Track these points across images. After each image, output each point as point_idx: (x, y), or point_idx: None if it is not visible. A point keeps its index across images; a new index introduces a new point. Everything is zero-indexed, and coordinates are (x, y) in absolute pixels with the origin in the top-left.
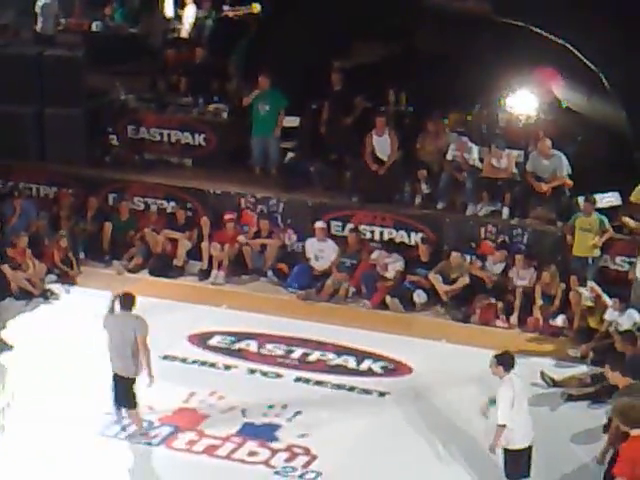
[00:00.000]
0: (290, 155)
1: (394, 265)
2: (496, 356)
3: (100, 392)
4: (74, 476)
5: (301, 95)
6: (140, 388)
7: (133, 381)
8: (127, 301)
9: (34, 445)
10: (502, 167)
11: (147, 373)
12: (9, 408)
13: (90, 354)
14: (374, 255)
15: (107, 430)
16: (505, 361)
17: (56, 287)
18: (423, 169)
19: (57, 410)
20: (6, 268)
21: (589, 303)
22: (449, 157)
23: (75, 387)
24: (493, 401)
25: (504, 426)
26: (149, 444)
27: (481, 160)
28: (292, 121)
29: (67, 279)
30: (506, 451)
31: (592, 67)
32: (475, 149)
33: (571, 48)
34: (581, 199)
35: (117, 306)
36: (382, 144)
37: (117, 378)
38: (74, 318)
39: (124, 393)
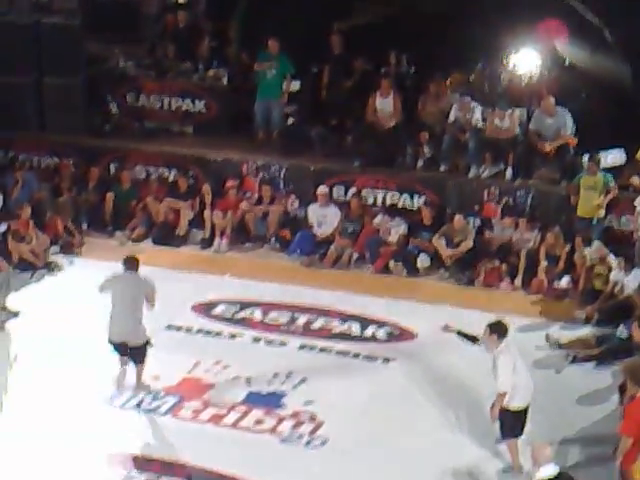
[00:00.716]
0: (291, 120)
1: (397, 229)
2: (490, 325)
3: (105, 362)
4: (78, 445)
5: (301, 58)
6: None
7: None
8: (132, 263)
9: (39, 415)
10: (505, 127)
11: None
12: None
13: (94, 324)
14: (377, 220)
15: (113, 400)
16: (499, 330)
17: (60, 259)
18: (425, 131)
19: (61, 381)
20: (9, 240)
21: (594, 264)
22: (451, 118)
23: (79, 357)
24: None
25: (505, 394)
26: (155, 413)
27: (484, 120)
28: (293, 85)
29: (70, 250)
30: (505, 412)
31: (595, 23)
32: (478, 109)
33: (574, 4)
34: (585, 158)
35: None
36: (385, 106)
37: (123, 347)
38: (78, 289)
39: (141, 353)
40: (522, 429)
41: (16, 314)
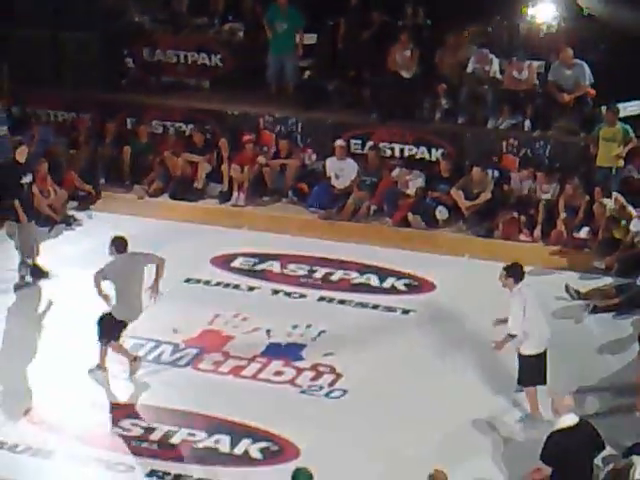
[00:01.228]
0: (308, 73)
1: (415, 182)
2: (506, 268)
3: None
4: (99, 397)
5: (317, 11)
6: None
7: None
8: (123, 243)
9: (61, 370)
10: (523, 79)
11: (154, 291)
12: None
13: None
14: (395, 172)
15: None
16: (515, 272)
17: (78, 213)
18: (443, 84)
19: (83, 334)
20: (35, 192)
21: (614, 214)
22: (469, 70)
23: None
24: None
25: (514, 336)
26: (175, 365)
27: (502, 72)
28: (309, 38)
29: (88, 205)
30: (520, 356)
31: None
32: (496, 61)
33: None
34: (604, 109)
35: (114, 252)
36: (404, 59)
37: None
38: (96, 243)
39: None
40: (541, 378)
41: (46, 274)
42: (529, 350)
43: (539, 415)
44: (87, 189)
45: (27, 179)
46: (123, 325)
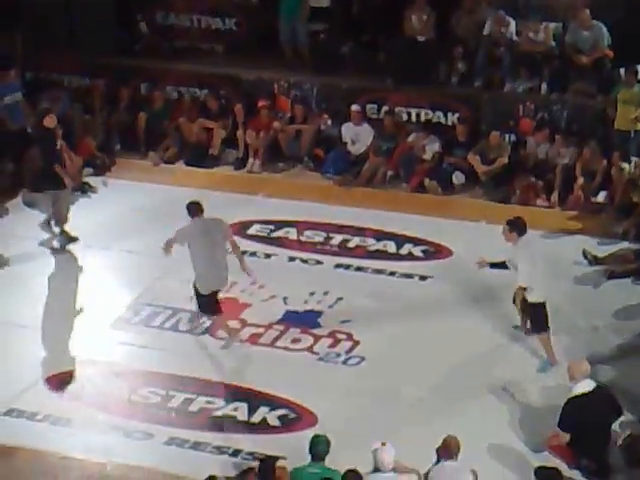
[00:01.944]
0: (322, 37)
1: (432, 147)
2: (508, 222)
3: (141, 285)
4: (120, 364)
5: None
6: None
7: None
8: (199, 208)
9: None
10: (540, 40)
11: (248, 271)
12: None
13: (130, 246)
14: (411, 137)
15: (150, 321)
16: (518, 226)
17: (93, 180)
18: (459, 46)
19: (98, 302)
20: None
21: (632, 178)
22: (486, 32)
23: (119, 280)
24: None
25: (525, 289)
26: (193, 333)
27: (518, 34)
28: (323, 1)
29: (104, 171)
30: (532, 305)
31: None
32: (512, 23)
33: None
34: (622, 70)
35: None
36: (420, 22)
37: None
38: (113, 210)
39: (213, 304)
40: (547, 323)
41: (75, 239)
42: (539, 298)
43: (556, 360)
44: (102, 156)
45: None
46: (211, 296)
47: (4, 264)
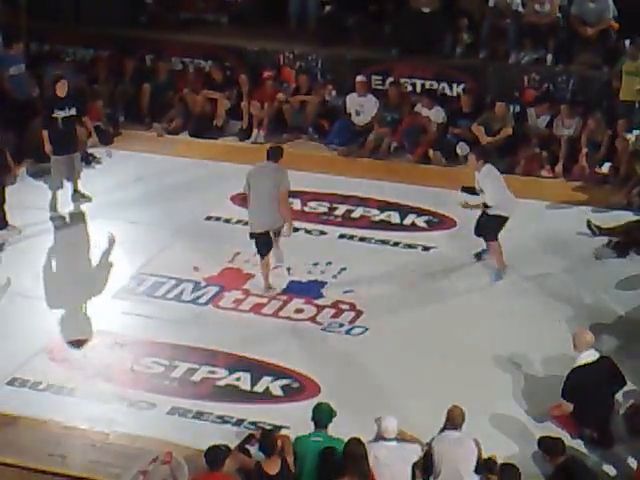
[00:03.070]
0: (328, 8)
1: (436, 117)
2: (474, 150)
3: (145, 255)
4: (122, 334)
5: None
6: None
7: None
8: (276, 153)
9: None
10: (545, 12)
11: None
12: None
13: (134, 217)
14: (416, 108)
15: (153, 291)
16: (484, 153)
17: (98, 151)
18: (464, 17)
19: (102, 271)
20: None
21: (636, 148)
22: (491, 3)
23: (123, 250)
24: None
25: (490, 206)
26: (196, 303)
27: (524, 5)
28: None
29: (108, 142)
30: (489, 216)
31: None
32: None
33: None
34: (628, 42)
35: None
36: None
37: (266, 236)
38: (117, 181)
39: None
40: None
41: (89, 198)
42: (502, 212)
43: (505, 265)
44: (106, 126)
45: (71, 112)
46: (260, 236)
47: (14, 234)
